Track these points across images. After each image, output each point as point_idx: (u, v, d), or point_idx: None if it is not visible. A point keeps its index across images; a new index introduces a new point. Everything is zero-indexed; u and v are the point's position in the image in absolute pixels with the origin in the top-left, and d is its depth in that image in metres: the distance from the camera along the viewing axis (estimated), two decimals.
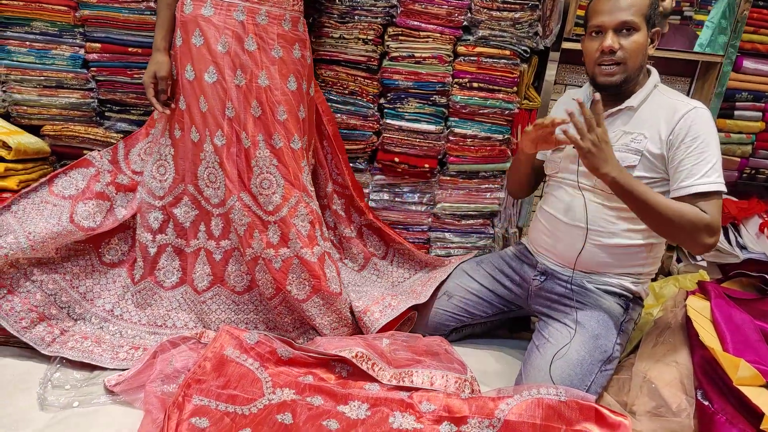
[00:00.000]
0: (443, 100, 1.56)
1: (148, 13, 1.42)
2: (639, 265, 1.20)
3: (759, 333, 1.07)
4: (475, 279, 1.39)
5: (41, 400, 1.05)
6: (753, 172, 1.79)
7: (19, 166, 1.36)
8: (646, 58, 1.14)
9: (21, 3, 1.39)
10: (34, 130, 1.49)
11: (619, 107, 1.16)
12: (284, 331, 1.36)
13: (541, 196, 1.38)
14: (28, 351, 1.19)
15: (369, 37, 1.50)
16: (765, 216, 1.73)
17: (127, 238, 1.39)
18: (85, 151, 1.47)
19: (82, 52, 1.46)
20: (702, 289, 1.24)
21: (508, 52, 1.53)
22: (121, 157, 1.40)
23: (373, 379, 1.09)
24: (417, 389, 1.07)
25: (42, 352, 1.17)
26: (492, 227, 1.71)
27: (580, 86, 1.50)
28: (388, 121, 1.57)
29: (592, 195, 1.18)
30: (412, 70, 1.52)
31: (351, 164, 1.59)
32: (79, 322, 1.29)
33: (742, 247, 1.69)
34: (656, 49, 1.17)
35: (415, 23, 1.49)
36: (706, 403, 0.98)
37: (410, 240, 1.66)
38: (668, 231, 1.06)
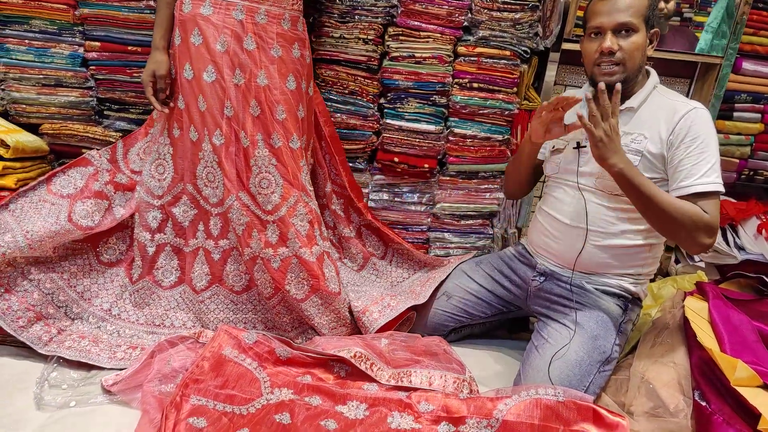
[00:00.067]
0: (443, 101, 1.56)
1: (148, 11, 1.42)
2: (638, 266, 1.20)
3: (756, 334, 1.08)
4: (474, 279, 1.39)
5: (38, 399, 1.05)
6: (751, 173, 1.79)
7: (18, 164, 1.35)
8: (645, 59, 1.14)
9: (20, 1, 1.39)
10: (33, 128, 1.48)
11: (619, 108, 1.16)
12: (283, 331, 1.36)
13: (540, 197, 1.38)
14: (25, 350, 1.18)
15: (369, 37, 1.50)
16: (763, 217, 1.73)
17: (126, 237, 1.39)
18: (83, 150, 1.46)
19: (81, 50, 1.46)
20: (700, 289, 1.24)
21: (508, 53, 1.53)
22: (120, 156, 1.40)
23: (371, 379, 1.09)
24: (415, 389, 1.07)
25: (39, 351, 1.17)
26: (491, 227, 1.72)
27: (580, 87, 1.50)
28: (388, 121, 1.57)
29: (592, 196, 1.18)
30: (412, 70, 1.52)
31: (351, 164, 1.59)
32: (76, 321, 1.28)
33: (740, 248, 1.69)
34: (655, 50, 1.17)
35: (416, 23, 1.49)
36: (704, 403, 0.98)
37: (409, 240, 1.66)
38: (668, 228, 1.06)
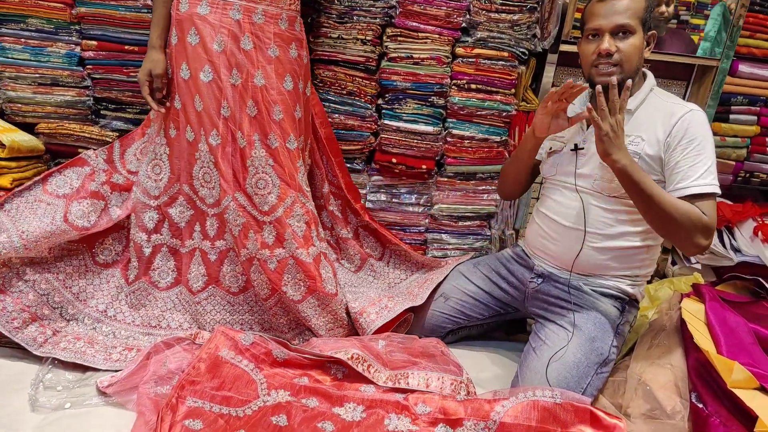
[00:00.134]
0: (441, 102, 1.56)
1: (145, 11, 1.41)
2: (636, 268, 1.20)
3: (753, 336, 1.08)
4: (471, 281, 1.39)
5: (33, 401, 1.04)
6: (747, 175, 1.80)
7: (13, 164, 1.35)
8: (642, 61, 1.15)
9: (17, 0, 1.38)
10: (29, 127, 1.47)
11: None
12: (280, 332, 1.35)
13: (537, 198, 1.38)
14: (19, 351, 1.17)
15: (367, 38, 1.50)
16: (759, 219, 1.74)
17: (122, 238, 1.38)
18: (80, 150, 1.46)
19: (78, 49, 1.45)
20: (696, 291, 1.24)
21: (506, 54, 1.53)
22: (117, 156, 1.39)
23: (368, 381, 1.09)
24: (413, 391, 1.07)
25: (34, 352, 1.16)
26: (489, 229, 1.72)
27: None
28: (386, 121, 1.57)
29: (590, 198, 1.18)
30: (410, 71, 1.52)
31: (348, 165, 1.59)
32: (71, 322, 1.27)
33: (737, 250, 1.70)
34: (652, 52, 1.18)
35: (414, 24, 1.49)
36: (701, 405, 0.99)
37: (407, 241, 1.66)
38: (667, 228, 1.06)
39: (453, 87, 1.56)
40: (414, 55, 1.51)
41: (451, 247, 1.70)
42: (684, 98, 1.77)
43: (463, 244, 1.70)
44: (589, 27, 1.14)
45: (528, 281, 1.30)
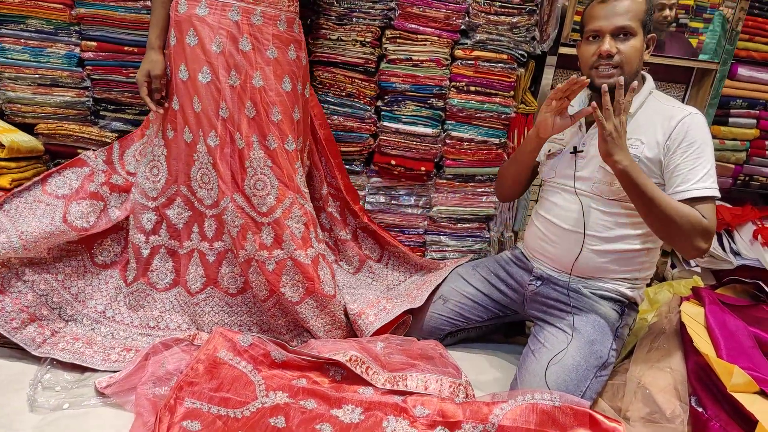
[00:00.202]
0: (440, 104, 1.56)
1: (144, 12, 1.41)
2: (635, 270, 1.20)
3: (753, 339, 1.08)
4: (470, 283, 1.39)
5: (31, 401, 1.04)
6: (747, 178, 1.80)
7: (12, 164, 1.35)
8: (642, 64, 1.15)
9: (17, 0, 1.38)
10: (28, 128, 1.48)
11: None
12: (278, 334, 1.35)
13: (536, 201, 1.38)
14: (18, 352, 1.17)
15: (367, 40, 1.50)
16: (759, 223, 1.74)
17: (120, 239, 1.38)
18: (79, 151, 1.46)
19: (77, 50, 1.45)
20: (696, 295, 1.24)
21: (505, 56, 1.53)
22: (116, 157, 1.39)
23: (367, 383, 1.09)
24: (411, 393, 1.07)
25: (32, 353, 1.16)
26: (488, 231, 1.71)
27: None
28: (385, 123, 1.57)
29: (590, 200, 1.18)
30: (409, 73, 1.52)
31: (347, 166, 1.59)
32: (70, 323, 1.27)
33: (736, 254, 1.70)
34: (651, 55, 1.18)
35: (413, 26, 1.49)
36: (700, 409, 0.98)
37: (406, 243, 1.66)
38: (667, 231, 1.06)
39: (452, 89, 1.56)
40: (413, 57, 1.51)
41: (449, 249, 1.70)
42: (683, 101, 1.77)
43: (462, 246, 1.70)
44: (589, 28, 1.14)
45: (527, 284, 1.30)
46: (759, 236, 1.70)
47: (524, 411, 0.98)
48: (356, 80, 1.53)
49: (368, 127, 1.58)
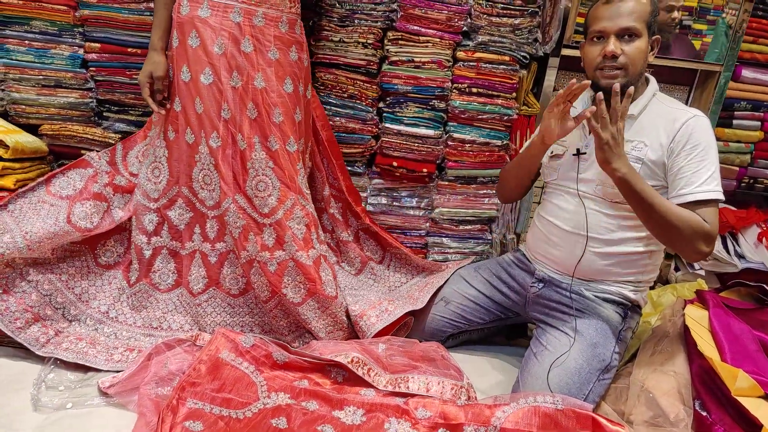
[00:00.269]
0: (442, 105, 1.56)
1: (148, 13, 1.42)
2: (638, 273, 1.20)
3: (757, 343, 1.07)
4: (472, 285, 1.39)
5: (35, 401, 1.04)
6: (751, 181, 1.79)
7: (17, 165, 1.35)
8: (646, 66, 1.14)
9: (21, 2, 1.39)
10: (32, 129, 1.48)
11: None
12: (280, 335, 1.35)
13: (539, 203, 1.37)
14: (22, 351, 1.18)
15: (369, 41, 1.50)
16: (763, 225, 1.73)
17: (124, 239, 1.39)
18: (83, 151, 1.46)
19: (81, 51, 1.46)
20: (700, 298, 1.23)
21: (507, 58, 1.53)
22: (119, 158, 1.40)
23: (368, 385, 1.09)
24: (413, 395, 1.07)
25: (36, 352, 1.16)
26: (490, 233, 1.71)
27: None
28: (387, 125, 1.57)
29: (592, 203, 1.18)
30: (411, 75, 1.52)
31: (349, 168, 1.59)
32: (73, 323, 1.28)
33: (741, 257, 1.69)
34: (655, 57, 1.17)
35: (415, 28, 1.49)
36: (704, 413, 0.98)
37: (408, 245, 1.66)
38: (668, 236, 1.06)
39: (454, 91, 1.56)
40: (415, 59, 1.51)
41: (451, 250, 1.69)
42: (687, 103, 1.76)
43: (464, 248, 1.70)
44: (593, 29, 1.13)
45: (529, 286, 1.30)
46: (764, 239, 1.69)
47: (526, 414, 0.98)
48: (358, 82, 1.53)
49: (370, 128, 1.58)
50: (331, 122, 1.54)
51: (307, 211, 1.33)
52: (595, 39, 1.13)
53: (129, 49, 1.45)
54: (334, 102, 1.55)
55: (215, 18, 1.20)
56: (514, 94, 1.57)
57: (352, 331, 1.37)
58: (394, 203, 1.66)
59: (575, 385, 1.08)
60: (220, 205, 1.29)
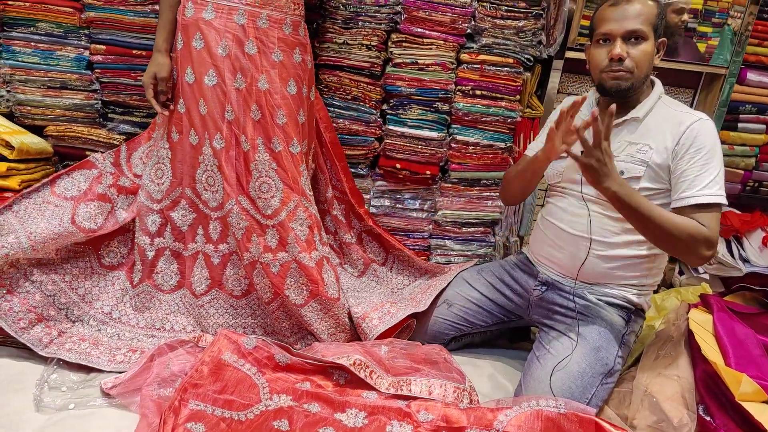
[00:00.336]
0: (446, 107, 1.56)
1: (153, 16, 1.42)
2: (642, 276, 1.19)
3: (762, 348, 1.06)
4: (475, 288, 1.38)
5: (37, 401, 1.05)
6: (756, 184, 1.78)
7: (22, 166, 1.36)
8: (651, 68, 1.14)
9: (27, 4, 1.40)
10: (38, 130, 1.49)
11: (624, 118, 1.16)
12: (282, 336, 1.35)
13: (542, 205, 1.37)
14: (24, 351, 1.18)
15: (372, 43, 1.50)
16: None
17: (127, 241, 1.39)
18: (87, 153, 1.47)
19: (86, 53, 1.47)
20: (704, 302, 1.23)
21: (511, 61, 1.53)
22: (124, 160, 1.40)
23: (370, 387, 1.09)
24: (415, 398, 1.06)
25: (39, 353, 1.17)
26: (493, 235, 1.71)
27: (578, 95, 1.48)
28: (391, 127, 1.57)
29: (596, 206, 1.17)
30: (415, 77, 1.52)
31: (352, 170, 1.59)
32: (77, 323, 1.28)
33: (745, 260, 1.68)
34: (661, 59, 1.17)
35: (419, 30, 1.50)
36: (708, 418, 0.97)
37: (411, 247, 1.66)
38: (666, 244, 1.06)
39: (458, 93, 1.56)
40: (419, 61, 1.51)
41: (454, 253, 1.69)
42: (691, 106, 1.76)
43: (467, 251, 1.69)
44: (599, 32, 1.12)
45: (532, 289, 1.29)
46: None
47: (529, 418, 0.97)
48: (362, 84, 1.54)
49: (373, 130, 1.58)
50: (334, 124, 1.55)
51: (310, 212, 1.33)
52: (600, 41, 1.13)
53: (134, 51, 1.46)
54: (338, 104, 1.55)
55: (219, 20, 1.21)
56: (518, 97, 1.57)
57: (354, 333, 1.37)
58: (397, 205, 1.66)
59: (578, 389, 1.07)
60: (223, 207, 1.29)
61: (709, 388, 1.01)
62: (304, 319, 1.30)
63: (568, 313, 1.20)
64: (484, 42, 1.51)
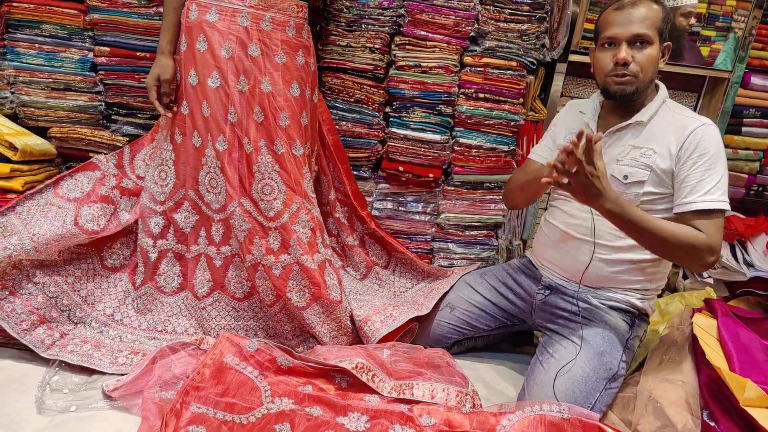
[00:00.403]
0: (449, 110, 1.56)
1: (157, 18, 1.43)
2: (646, 281, 1.19)
3: (766, 353, 1.06)
4: (478, 291, 1.38)
5: (39, 403, 1.05)
6: (760, 189, 1.78)
7: (25, 167, 1.36)
8: (656, 72, 1.13)
9: (31, 5, 1.41)
10: (41, 131, 1.49)
11: (628, 122, 1.15)
12: (284, 339, 1.35)
13: (545, 208, 1.36)
14: (27, 353, 1.18)
15: (376, 46, 1.50)
16: None
17: (130, 242, 1.39)
18: (91, 154, 1.47)
19: (90, 55, 1.47)
20: (709, 306, 1.22)
21: (514, 64, 1.53)
22: (127, 161, 1.41)
23: (373, 391, 1.08)
24: (417, 402, 1.06)
25: (41, 355, 1.17)
26: (496, 239, 1.70)
27: (582, 98, 1.48)
28: (394, 129, 1.57)
29: None
30: (418, 80, 1.52)
31: (355, 172, 1.59)
32: (79, 325, 1.28)
33: (749, 265, 1.67)
34: (665, 63, 1.16)
35: (422, 33, 1.50)
36: (712, 423, 0.96)
37: (413, 250, 1.66)
38: (666, 253, 1.07)
39: (461, 96, 1.55)
40: (422, 64, 1.52)
41: (457, 256, 1.69)
42: (695, 110, 1.75)
43: (470, 254, 1.69)
44: (604, 35, 1.12)
45: (535, 293, 1.29)
46: None
47: (532, 422, 0.97)
48: (365, 86, 1.54)
49: (376, 133, 1.58)
50: (337, 126, 1.55)
51: (313, 215, 1.33)
52: (606, 45, 1.12)
53: (138, 53, 1.46)
54: (341, 106, 1.56)
55: (223, 22, 1.21)
56: (522, 100, 1.57)
57: (356, 336, 1.36)
58: (400, 208, 1.65)
59: (582, 394, 1.07)
60: (225, 209, 1.29)
61: (714, 393, 1.00)
62: (306, 321, 1.29)
63: (571, 317, 1.20)
64: (487, 45, 1.51)
